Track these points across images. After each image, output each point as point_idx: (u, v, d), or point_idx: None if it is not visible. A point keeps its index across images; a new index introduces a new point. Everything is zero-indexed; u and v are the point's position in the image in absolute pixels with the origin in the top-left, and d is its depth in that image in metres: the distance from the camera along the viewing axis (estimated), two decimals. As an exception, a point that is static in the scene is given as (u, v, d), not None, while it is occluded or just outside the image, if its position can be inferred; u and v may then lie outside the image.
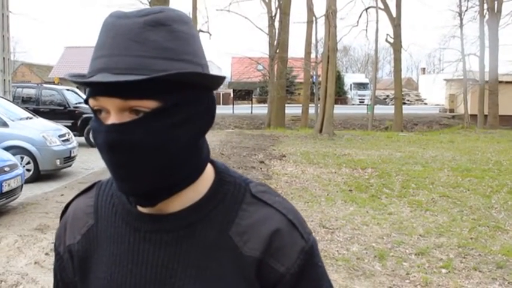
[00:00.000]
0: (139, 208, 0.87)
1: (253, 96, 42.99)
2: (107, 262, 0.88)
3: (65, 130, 10.96)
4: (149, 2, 20.27)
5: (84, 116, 15.42)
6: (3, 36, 12.56)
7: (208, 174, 0.88)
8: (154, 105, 0.76)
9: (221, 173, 0.90)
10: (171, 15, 0.79)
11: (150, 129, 0.76)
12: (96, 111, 0.80)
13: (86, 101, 0.80)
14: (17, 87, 15.73)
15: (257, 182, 0.91)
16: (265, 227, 0.84)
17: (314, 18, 26.79)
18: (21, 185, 7.40)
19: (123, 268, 0.86)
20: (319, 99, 22.86)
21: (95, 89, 0.77)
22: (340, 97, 45.81)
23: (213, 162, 0.91)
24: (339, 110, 27.40)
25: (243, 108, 34.47)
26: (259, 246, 0.83)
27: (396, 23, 26.66)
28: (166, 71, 0.75)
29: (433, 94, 45.94)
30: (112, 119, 0.77)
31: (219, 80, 0.82)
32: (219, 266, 0.83)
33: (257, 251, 0.83)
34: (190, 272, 0.83)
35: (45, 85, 17.33)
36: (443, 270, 5.00)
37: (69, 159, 10.38)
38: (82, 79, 0.78)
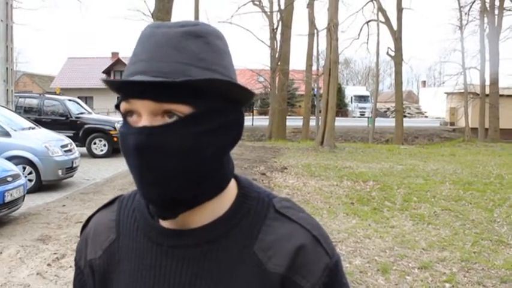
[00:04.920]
0: (162, 223, 0.87)
1: (254, 108, 43.06)
2: (129, 278, 0.87)
3: (67, 140, 10.96)
4: (151, 14, 20.45)
5: (86, 126, 15.46)
6: (7, 46, 12.62)
7: (232, 189, 0.88)
8: (187, 110, 0.77)
9: (245, 188, 0.90)
10: (208, 29, 0.83)
11: (182, 134, 0.77)
12: (127, 115, 0.80)
13: (118, 106, 0.81)
14: (19, 97, 15.78)
15: (281, 198, 0.90)
16: (289, 243, 0.83)
17: (316, 31, 26.93)
18: (24, 195, 7.39)
19: (144, 284, 0.85)
20: (320, 111, 22.91)
21: (129, 92, 0.78)
22: (341, 109, 45.89)
23: (236, 177, 0.91)
24: (340, 122, 27.42)
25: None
26: (283, 262, 0.82)
27: (397, 36, 26.80)
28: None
29: (434, 107, 46.06)
30: (143, 122, 0.77)
31: (250, 95, 0.84)
32: (243, 282, 0.83)
33: (282, 267, 0.82)
34: None
35: (47, 95, 17.36)
36: (447, 285, 4.97)
37: (71, 169, 10.38)
38: (119, 80, 0.79)
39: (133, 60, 0.80)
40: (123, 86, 0.79)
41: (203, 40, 0.80)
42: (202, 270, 0.83)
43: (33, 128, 10.91)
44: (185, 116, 0.77)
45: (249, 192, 0.89)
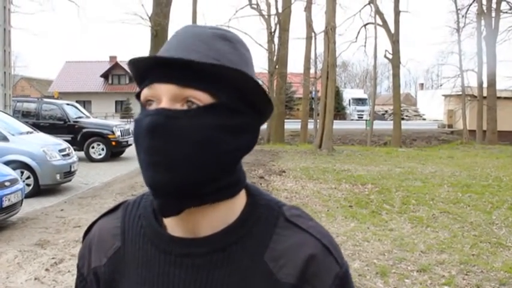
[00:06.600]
0: (170, 231, 0.85)
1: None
2: (135, 286, 0.85)
3: (65, 145, 10.94)
4: (149, 18, 20.48)
5: (84, 130, 15.45)
6: (5, 50, 12.61)
7: (242, 197, 0.87)
8: (208, 100, 0.76)
9: (254, 196, 0.88)
10: (237, 37, 0.85)
11: (199, 122, 0.75)
12: (146, 104, 0.79)
13: (138, 95, 0.81)
14: (17, 101, 15.75)
15: (290, 206, 0.89)
16: (300, 253, 0.83)
17: (313, 34, 26.95)
18: (22, 200, 7.37)
19: None
20: (318, 114, 22.94)
21: (152, 76, 0.78)
22: (339, 112, 45.91)
23: (246, 185, 0.89)
24: (338, 125, 27.46)
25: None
26: (294, 272, 0.82)
27: (394, 39, 26.88)
28: None
29: (432, 110, 46.09)
30: (163, 105, 0.77)
31: (270, 106, 0.83)
32: None
33: (293, 276, 0.82)
34: None
35: (45, 99, 17.34)
36: (446, 288, 4.98)
37: (69, 174, 10.36)
38: (149, 56, 0.78)
39: (162, 51, 0.81)
40: (150, 67, 0.78)
41: (232, 45, 0.82)
42: (212, 280, 0.81)
43: (31, 133, 10.90)
44: (205, 105, 0.76)
45: (258, 200, 0.88)
